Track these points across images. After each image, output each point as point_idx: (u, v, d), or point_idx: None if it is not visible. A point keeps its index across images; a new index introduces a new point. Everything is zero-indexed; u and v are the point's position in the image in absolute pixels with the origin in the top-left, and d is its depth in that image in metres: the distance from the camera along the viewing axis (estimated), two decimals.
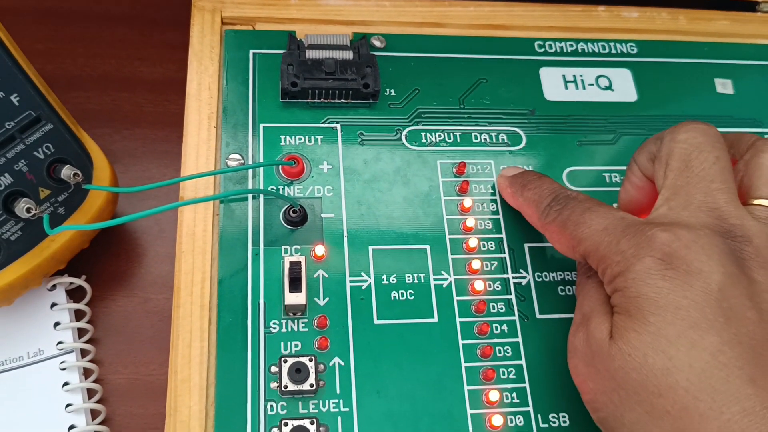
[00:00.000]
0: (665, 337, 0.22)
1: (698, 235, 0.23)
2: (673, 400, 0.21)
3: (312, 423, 0.26)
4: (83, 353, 0.31)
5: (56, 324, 0.31)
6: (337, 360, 0.27)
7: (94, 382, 0.31)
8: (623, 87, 0.36)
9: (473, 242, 0.30)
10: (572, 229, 0.26)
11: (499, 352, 0.29)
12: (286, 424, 0.26)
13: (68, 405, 0.30)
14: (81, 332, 0.32)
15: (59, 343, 0.31)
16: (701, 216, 0.23)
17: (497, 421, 0.27)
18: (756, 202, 0.25)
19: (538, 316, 0.29)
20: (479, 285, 0.29)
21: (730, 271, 0.22)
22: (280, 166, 0.31)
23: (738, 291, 0.22)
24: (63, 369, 0.30)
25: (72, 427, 0.29)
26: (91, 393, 0.31)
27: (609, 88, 0.36)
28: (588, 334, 0.24)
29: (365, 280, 0.29)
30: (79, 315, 0.32)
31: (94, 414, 0.30)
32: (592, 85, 0.36)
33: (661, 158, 0.26)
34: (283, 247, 0.29)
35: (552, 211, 0.27)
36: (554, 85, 0.35)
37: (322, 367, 0.27)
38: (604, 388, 0.23)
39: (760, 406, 0.20)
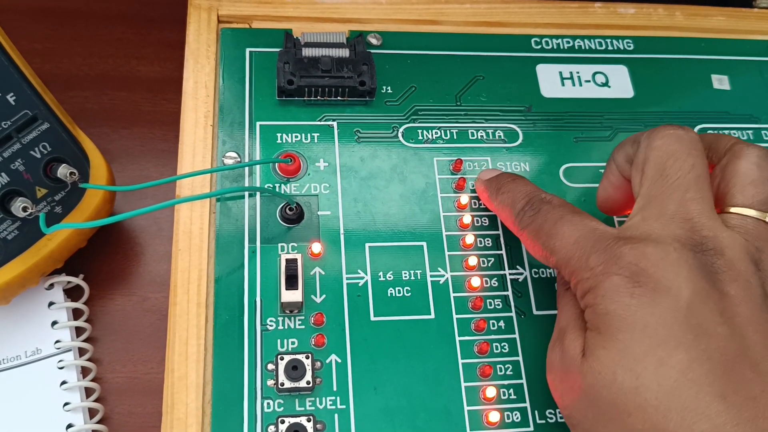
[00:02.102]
0: (633, 355, 0.21)
1: (667, 251, 0.22)
2: (642, 419, 0.21)
3: (309, 420, 0.26)
4: (81, 352, 0.31)
5: (54, 323, 0.31)
6: (333, 357, 0.28)
7: (92, 380, 0.31)
8: (620, 83, 0.36)
9: (470, 239, 0.30)
10: (544, 240, 0.26)
11: (496, 349, 0.29)
12: (282, 422, 0.26)
13: (66, 404, 0.30)
14: (79, 331, 0.32)
15: (57, 341, 0.31)
16: (673, 228, 0.23)
17: (494, 417, 0.27)
18: (732, 210, 0.24)
19: (534, 312, 0.29)
20: (476, 281, 0.29)
21: (700, 287, 0.22)
22: (276, 164, 0.31)
23: (708, 307, 0.22)
24: (61, 368, 0.30)
25: (70, 425, 0.29)
26: (89, 392, 0.31)
27: (605, 84, 0.36)
28: (563, 349, 0.24)
29: (362, 277, 0.29)
30: (76, 314, 0.32)
31: (92, 413, 0.30)
32: (589, 81, 0.36)
33: (638, 164, 0.25)
34: (279, 244, 0.29)
35: (525, 217, 0.27)
36: (551, 81, 0.35)
37: (318, 364, 0.27)
38: (578, 404, 0.23)
39: (730, 424, 0.20)
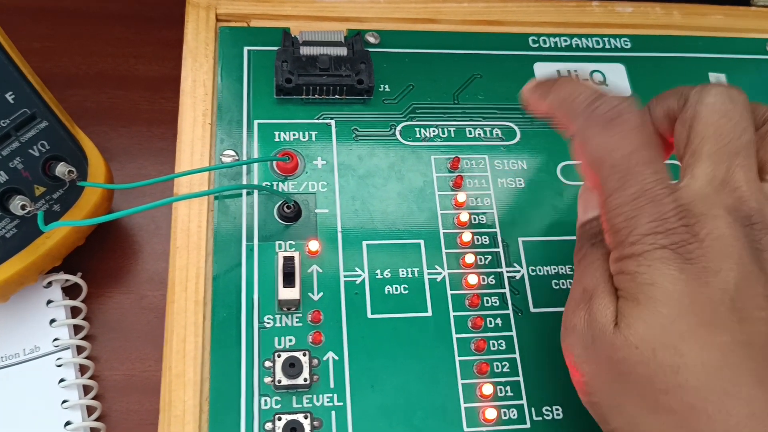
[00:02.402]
0: (677, 332, 0.21)
1: (719, 227, 0.21)
2: (680, 398, 0.20)
3: (306, 417, 0.26)
4: (79, 350, 0.31)
5: (52, 321, 0.31)
6: (331, 354, 0.28)
7: (90, 378, 0.31)
8: (617, 82, 0.36)
9: (467, 237, 0.30)
10: (608, 167, 0.23)
11: (493, 346, 0.29)
12: (279, 419, 0.26)
13: (64, 401, 0.30)
14: (77, 329, 0.32)
15: (55, 339, 0.31)
16: (723, 196, 0.22)
17: (491, 414, 0.27)
18: None
19: (532, 309, 0.30)
20: (473, 279, 0.29)
21: (749, 270, 0.21)
22: (274, 162, 0.31)
23: (754, 290, 0.21)
24: (59, 365, 0.31)
25: (68, 423, 0.29)
26: (87, 389, 0.31)
27: (603, 83, 0.36)
28: (590, 314, 0.23)
29: (359, 275, 0.29)
30: (74, 312, 0.32)
31: (90, 410, 0.30)
32: (587, 80, 0.36)
33: (685, 119, 0.24)
34: (277, 242, 0.29)
35: (594, 113, 0.23)
36: None
37: (316, 361, 0.27)
38: (602, 374, 0.22)
39: None
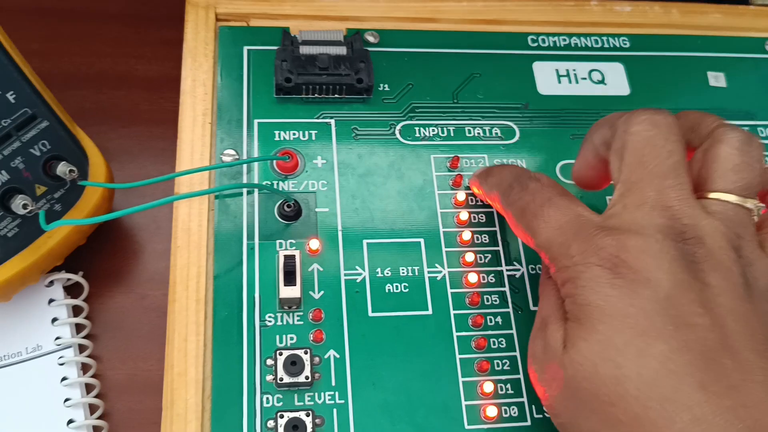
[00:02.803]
0: (614, 345, 0.21)
1: (648, 242, 0.22)
2: (624, 409, 0.21)
3: (308, 415, 0.26)
4: (81, 348, 0.31)
5: (54, 320, 0.31)
6: (332, 352, 0.28)
7: (92, 377, 0.31)
8: (616, 81, 0.36)
9: (467, 235, 0.30)
10: (529, 220, 0.25)
11: (494, 344, 0.29)
12: (281, 417, 0.26)
13: (67, 399, 0.30)
14: (79, 328, 0.32)
15: (57, 338, 0.31)
16: (654, 216, 0.23)
17: (492, 412, 0.27)
18: (712, 195, 0.24)
19: (531, 308, 0.30)
20: (473, 277, 0.30)
21: (680, 279, 0.22)
22: (274, 161, 0.31)
23: (688, 298, 0.22)
24: (61, 364, 0.31)
25: (71, 421, 0.30)
26: (89, 388, 0.31)
27: (602, 82, 0.36)
28: (545, 341, 0.24)
29: (360, 274, 0.29)
30: (76, 311, 0.32)
31: (92, 408, 0.30)
32: (585, 79, 0.36)
33: (616, 150, 0.25)
34: (277, 241, 0.29)
35: (513, 193, 0.27)
36: (547, 79, 0.35)
37: (317, 359, 0.27)
38: (559, 396, 0.23)
39: (711, 414, 0.20)
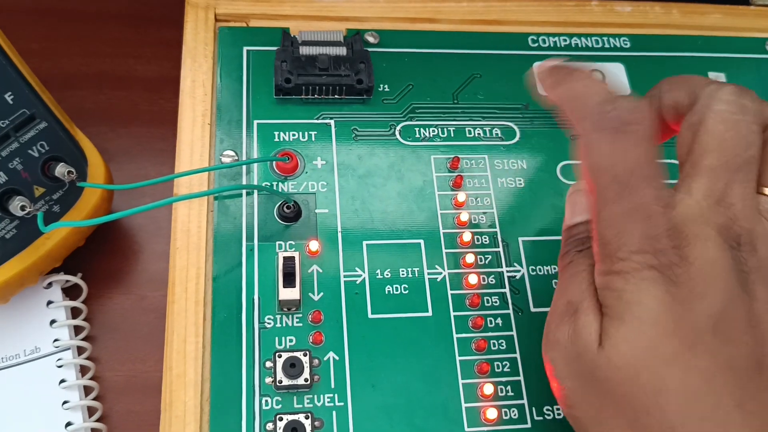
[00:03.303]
0: (660, 355, 0.20)
1: (707, 249, 0.21)
2: (660, 420, 0.20)
3: (307, 417, 0.26)
4: (80, 350, 0.31)
5: (53, 321, 0.31)
6: (331, 354, 0.28)
7: (91, 379, 0.31)
8: (617, 81, 0.36)
9: (467, 236, 0.30)
10: (598, 176, 0.22)
11: (494, 346, 0.29)
12: (281, 419, 0.26)
13: (65, 402, 0.30)
14: (77, 330, 0.32)
15: (56, 340, 0.31)
16: (717, 214, 0.21)
17: (492, 414, 0.27)
18: (766, 191, 0.22)
19: (532, 309, 0.30)
20: (473, 279, 0.29)
21: (734, 294, 0.21)
22: (274, 162, 0.31)
23: (738, 314, 0.21)
24: (59, 366, 0.30)
25: (69, 424, 0.29)
26: (87, 390, 0.31)
27: (602, 82, 0.36)
28: (575, 331, 0.23)
29: (359, 275, 0.29)
30: (75, 313, 0.32)
31: (90, 411, 0.30)
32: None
33: (692, 122, 0.23)
34: (277, 242, 0.29)
35: (604, 119, 0.22)
36: None
37: (316, 361, 0.27)
38: (584, 390, 0.22)
39: None
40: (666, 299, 0.21)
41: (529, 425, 0.27)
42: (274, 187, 0.30)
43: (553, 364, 0.24)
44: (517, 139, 0.33)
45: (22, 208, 0.27)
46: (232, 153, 0.31)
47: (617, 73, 0.36)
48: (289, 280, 0.28)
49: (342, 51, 0.33)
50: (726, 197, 0.22)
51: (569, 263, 0.25)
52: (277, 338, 0.28)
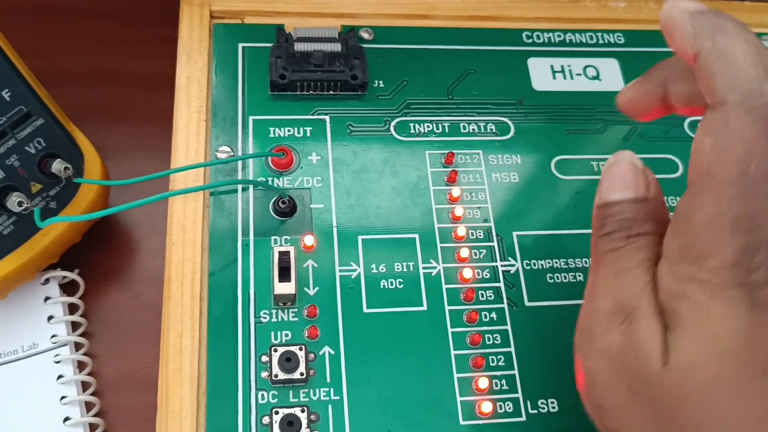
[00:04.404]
0: (729, 381, 0.18)
1: None
2: None
3: (303, 411, 0.26)
4: (77, 346, 0.31)
5: (50, 317, 0.31)
6: (327, 349, 0.28)
7: (88, 374, 0.31)
8: (611, 77, 0.36)
9: (462, 231, 0.30)
10: (722, 154, 0.19)
11: (488, 340, 0.29)
12: (277, 413, 0.26)
13: (63, 397, 0.30)
14: (74, 326, 0.32)
15: (53, 336, 0.31)
16: None
17: (486, 407, 0.27)
18: None
19: (526, 303, 0.30)
20: (468, 273, 0.30)
21: None
22: (269, 158, 0.31)
23: None
24: (57, 362, 0.31)
25: (67, 419, 0.30)
26: (85, 385, 0.31)
27: (596, 78, 0.36)
28: (632, 341, 0.20)
29: (354, 270, 0.29)
30: (72, 309, 0.32)
31: (88, 406, 0.30)
32: (580, 75, 0.36)
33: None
34: (272, 237, 0.29)
35: (761, 101, 0.18)
36: (542, 75, 0.35)
37: (312, 356, 0.27)
38: (635, 407, 0.20)
39: None
40: (747, 321, 0.18)
41: (523, 419, 0.28)
42: (270, 183, 0.31)
43: (595, 374, 0.21)
44: (511, 134, 0.33)
45: (19, 204, 0.27)
46: (227, 149, 0.31)
47: (611, 69, 0.36)
48: (284, 275, 0.28)
49: (337, 47, 0.33)
50: None
51: (613, 250, 0.21)
52: (272, 333, 0.28)
